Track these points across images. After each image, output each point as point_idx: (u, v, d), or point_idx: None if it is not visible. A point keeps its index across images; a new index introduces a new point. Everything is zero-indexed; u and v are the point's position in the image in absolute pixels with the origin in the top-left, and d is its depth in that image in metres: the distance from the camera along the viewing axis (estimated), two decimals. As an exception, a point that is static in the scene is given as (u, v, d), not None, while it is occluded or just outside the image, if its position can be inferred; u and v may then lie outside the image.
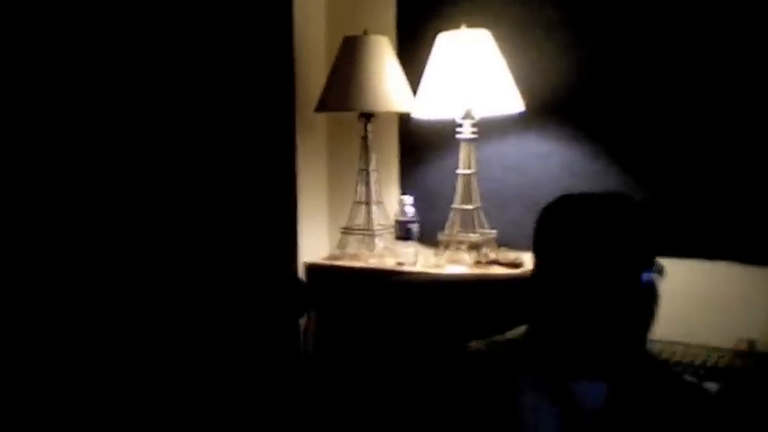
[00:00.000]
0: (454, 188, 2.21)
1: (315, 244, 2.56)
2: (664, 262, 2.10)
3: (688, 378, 1.20)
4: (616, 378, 1.06)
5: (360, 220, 2.40)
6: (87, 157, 1.80)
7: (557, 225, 1.07)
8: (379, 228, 2.38)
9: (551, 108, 2.20)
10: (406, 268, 2.22)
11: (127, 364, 1.86)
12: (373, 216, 2.38)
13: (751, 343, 1.91)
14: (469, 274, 2.10)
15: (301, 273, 2.43)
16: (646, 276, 1.04)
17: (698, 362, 1.82)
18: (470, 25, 2.13)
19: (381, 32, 2.35)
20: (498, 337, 1.18)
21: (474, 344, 1.15)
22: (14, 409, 1.66)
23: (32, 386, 1.70)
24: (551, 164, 2.21)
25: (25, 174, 1.70)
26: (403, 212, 2.30)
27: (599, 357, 1.04)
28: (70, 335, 1.76)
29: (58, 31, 1.72)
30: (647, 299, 1.04)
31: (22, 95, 1.68)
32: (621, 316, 1.02)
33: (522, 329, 1.17)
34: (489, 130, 2.24)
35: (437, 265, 2.21)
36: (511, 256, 2.16)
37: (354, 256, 2.38)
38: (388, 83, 2.25)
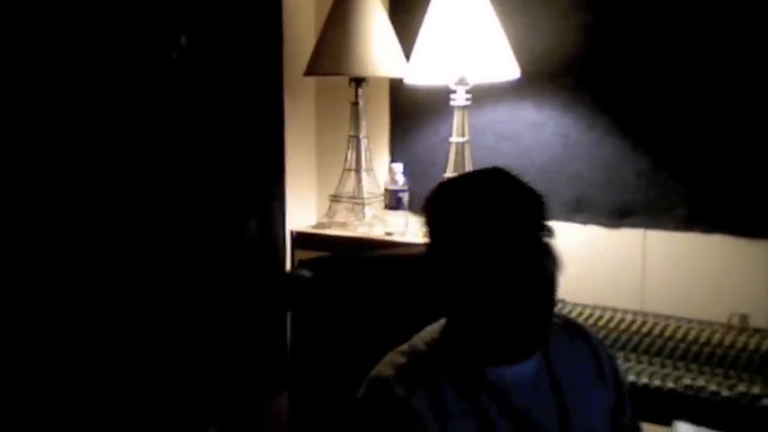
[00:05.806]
0: (446, 156, 2.16)
1: (302, 212, 2.51)
2: (655, 234, 2.07)
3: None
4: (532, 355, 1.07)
5: (349, 188, 2.35)
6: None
7: (441, 212, 1.10)
8: (369, 196, 2.33)
9: (547, 75, 2.14)
10: (395, 238, 2.18)
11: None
12: (363, 184, 2.33)
13: (743, 317, 1.89)
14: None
15: (288, 241, 2.39)
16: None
17: (690, 337, 1.80)
18: (466, -13, 2.06)
19: (373, -6, 2.27)
20: (417, 341, 1.12)
21: (390, 356, 1.09)
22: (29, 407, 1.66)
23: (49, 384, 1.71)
24: (545, 133, 2.16)
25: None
26: (393, 181, 2.25)
27: (515, 341, 1.04)
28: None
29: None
30: (543, 262, 1.02)
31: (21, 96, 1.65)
32: (522, 289, 0.99)
33: (440, 324, 1.13)
34: (483, 97, 2.18)
35: (427, 235, 2.17)
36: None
37: (343, 225, 2.33)
38: (379, 47, 2.18)
